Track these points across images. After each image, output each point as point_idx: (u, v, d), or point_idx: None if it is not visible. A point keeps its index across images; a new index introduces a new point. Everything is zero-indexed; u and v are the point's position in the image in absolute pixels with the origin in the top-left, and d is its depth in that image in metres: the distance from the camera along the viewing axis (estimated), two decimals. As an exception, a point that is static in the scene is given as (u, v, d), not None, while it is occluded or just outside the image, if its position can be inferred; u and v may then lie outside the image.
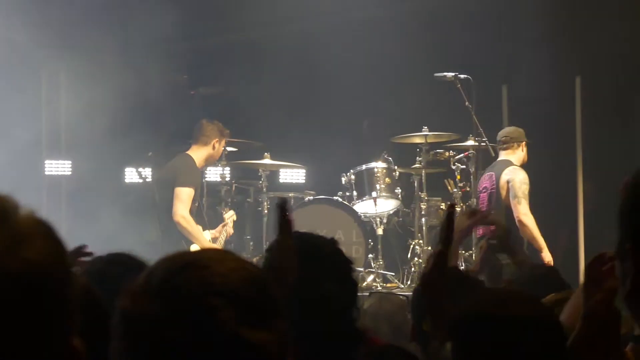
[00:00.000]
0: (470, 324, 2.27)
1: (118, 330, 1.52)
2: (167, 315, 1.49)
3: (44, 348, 1.11)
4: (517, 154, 8.97)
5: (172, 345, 1.48)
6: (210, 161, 9.17)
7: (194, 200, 8.91)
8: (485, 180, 8.93)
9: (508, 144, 8.96)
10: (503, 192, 8.73)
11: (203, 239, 8.77)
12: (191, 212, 8.84)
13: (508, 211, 8.68)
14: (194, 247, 8.43)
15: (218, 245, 8.92)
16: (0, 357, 1.08)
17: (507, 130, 9.11)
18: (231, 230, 9.29)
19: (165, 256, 1.60)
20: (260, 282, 1.58)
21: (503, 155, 9.00)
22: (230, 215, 9.38)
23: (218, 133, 9.06)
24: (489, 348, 2.19)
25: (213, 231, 9.20)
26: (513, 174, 8.75)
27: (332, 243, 3.15)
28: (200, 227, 8.85)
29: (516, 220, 8.59)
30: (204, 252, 1.61)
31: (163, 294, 1.52)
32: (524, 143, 9.02)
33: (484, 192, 8.88)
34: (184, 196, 8.74)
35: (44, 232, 1.15)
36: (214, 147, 9.04)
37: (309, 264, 3.02)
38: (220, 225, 9.29)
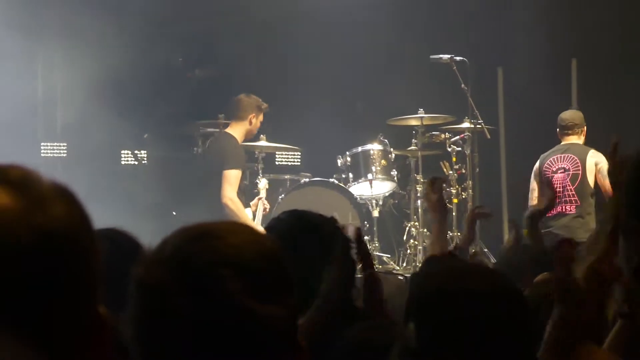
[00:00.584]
0: (428, 301, 2.23)
1: (132, 297, 1.53)
2: (177, 283, 1.51)
3: (70, 313, 1.11)
4: (582, 138, 8.98)
5: (180, 313, 1.49)
6: (249, 136, 9.01)
7: (242, 179, 8.88)
8: (562, 161, 8.82)
9: (574, 129, 8.92)
10: (590, 175, 8.72)
11: (250, 222, 8.67)
12: (240, 190, 8.80)
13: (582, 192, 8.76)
14: None
15: (257, 222, 8.81)
16: (28, 321, 1.08)
17: (571, 115, 9.02)
18: (266, 203, 9.08)
19: (182, 226, 1.61)
20: (275, 257, 1.58)
21: (571, 139, 8.92)
22: (263, 186, 9.22)
23: (255, 107, 8.95)
24: (449, 323, 2.15)
25: (252, 204, 9.15)
26: (599, 157, 8.69)
27: (331, 222, 3.17)
28: (244, 210, 8.77)
29: (607, 199, 8.60)
30: (222, 223, 1.61)
31: (174, 262, 1.53)
32: (585, 127, 9.04)
33: (561, 172, 8.78)
34: (232, 179, 8.67)
35: (68, 197, 1.17)
36: (250, 122, 8.91)
37: (308, 243, 3.04)
38: (256, 198, 9.15)
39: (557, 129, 8.98)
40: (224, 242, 1.54)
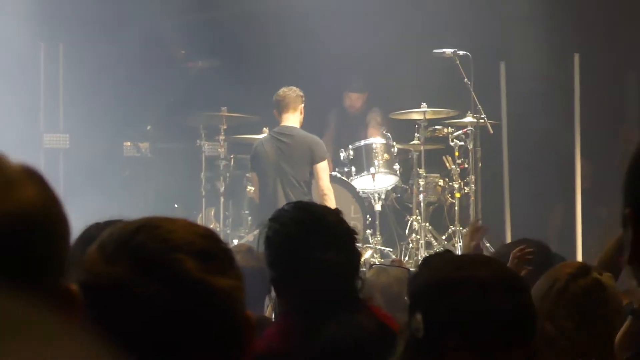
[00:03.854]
0: (432, 290, 2.26)
1: (87, 302, 1.53)
2: (133, 274, 1.54)
3: (41, 289, 1.11)
4: None
5: (143, 302, 1.52)
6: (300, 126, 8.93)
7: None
8: None
9: None
10: None
11: None
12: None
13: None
14: None
15: None
16: None
17: None
18: None
19: (111, 227, 1.64)
20: (210, 234, 1.65)
21: None
22: None
23: (301, 98, 8.87)
24: (458, 312, 2.18)
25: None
26: None
27: (336, 213, 3.17)
28: None
29: None
30: (151, 217, 1.66)
31: (124, 256, 1.56)
32: None
33: None
34: (327, 168, 8.69)
35: (36, 178, 1.16)
36: (301, 112, 8.89)
37: (312, 233, 3.04)
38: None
39: None
40: (164, 229, 1.59)
